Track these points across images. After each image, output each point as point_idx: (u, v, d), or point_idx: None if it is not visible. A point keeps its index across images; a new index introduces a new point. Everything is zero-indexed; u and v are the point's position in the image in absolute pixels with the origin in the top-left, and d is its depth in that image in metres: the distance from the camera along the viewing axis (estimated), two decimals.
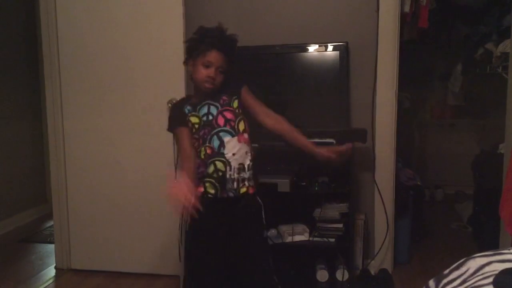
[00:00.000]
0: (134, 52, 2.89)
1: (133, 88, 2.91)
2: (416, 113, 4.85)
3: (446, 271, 1.07)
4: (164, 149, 2.85)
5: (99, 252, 3.07)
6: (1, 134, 3.93)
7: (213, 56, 1.92)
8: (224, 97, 1.99)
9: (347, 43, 2.77)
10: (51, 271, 3.14)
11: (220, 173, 1.91)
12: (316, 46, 2.78)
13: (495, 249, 1.07)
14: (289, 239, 2.76)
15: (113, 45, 2.91)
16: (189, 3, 2.87)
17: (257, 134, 2.77)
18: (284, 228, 2.80)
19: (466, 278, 0.98)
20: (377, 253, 2.95)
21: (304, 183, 2.74)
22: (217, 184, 1.92)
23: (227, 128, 1.94)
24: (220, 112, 1.96)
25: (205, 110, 1.96)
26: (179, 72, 2.82)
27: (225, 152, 1.91)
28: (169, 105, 2.23)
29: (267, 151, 2.81)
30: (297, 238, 2.77)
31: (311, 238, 2.77)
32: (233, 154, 1.92)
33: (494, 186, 3.10)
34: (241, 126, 1.98)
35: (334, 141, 2.64)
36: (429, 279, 1.15)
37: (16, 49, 4.15)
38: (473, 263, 1.01)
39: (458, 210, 4.27)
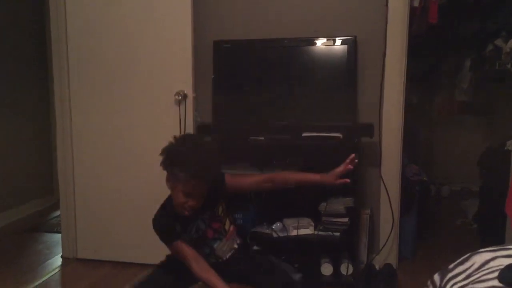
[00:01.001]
0: (141, 46, 2.89)
1: (141, 81, 2.92)
2: (423, 109, 4.83)
3: (451, 266, 1.07)
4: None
5: (105, 242, 3.10)
6: (9, 125, 3.96)
7: (194, 186, 1.82)
8: (209, 212, 1.97)
9: (355, 37, 2.76)
10: (57, 260, 3.17)
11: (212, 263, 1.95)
12: (324, 40, 2.78)
13: (500, 244, 1.07)
14: (294, 232, 2.77)
15: (121, 39, 2.91)
16: None
17: (262, 127, 2.79)
18: (289, 222, 2.81)
19: (471, 273, 0.98)
20: (382, 248, 2.95)
21: None
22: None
23: (216, 236, 1.98)
24: (208, 226, 1.96)
25: (194, 229, 1.96)
26: (186, 64, 2.83)
27: (216, 254, 1.99)
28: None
29: (273, 144, 2.82)
30: (302, 231, 2.77)
31: (316, 232, 2.77)
32: (223, 251, 2.00)
33: (501, 183, 3.10)
34: (227, 225, 2.01)
35: (341, 136, 2.64)
36: (434, 274, 1.15)
37: (25, 42, 4.17)
38: (478, 258, 1.02)
39: (464, 207, 4.27)
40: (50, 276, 2.94)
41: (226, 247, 2.01)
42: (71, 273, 3.01)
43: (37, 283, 2.84)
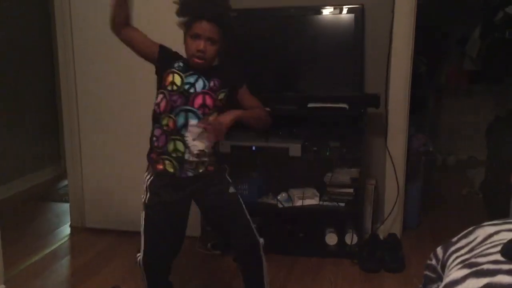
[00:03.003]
0: (146, 13, 2.84)
1: None
2: (431, 77, 4.77)
3: (455, 239, 1.08)
4: None
5: (113, 212, 3.13)
6: (15, 94, 3.96)
7: (200, 28, 1.75)
8: (217, 81, 1.85)
9: (362, 5, 2.71)
10: (66, 229, 3.22)
11: (180, 154, 1.84)
12: (331, 9, 2.73)
13: (505, 218, 1.07)
14: (299, 203, 2.79)
15: None
16: None
17: (268, 98, 2.77)
18: (295, 192, 2.83)
19: (474, 246, 0.99)
20: (387, 218, 2.96)
21: (316, 148, 2.74)
22: (175, 164, 1.86)
23: (199, 112, 1.83)
24: (203, 92, 1.83)
25: (191, 79, 1.83)
26: None
27: (186, 135, 1.83)
28: None
29: (279, 115, 2.80)
30: (307, 202, 2.79)
31: (321, 202, 2.79)
32: (193, 139, 1.83)
33: (508, 153, 3.08)
34: (212, 117, 1.85)
35: (346, 106, 2.62)
36: (438, 244, 1.16)
37: (29, 7, 4.13)
38: (482, 232, 1.02)
39: (470, 176, 4.26)
40: (59, 245, 3.00)
41: (198, 138, 1.84)
42: (79, 242, 3.06)
43: (46, 251, 2.89)
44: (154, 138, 1.91)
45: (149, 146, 1.97)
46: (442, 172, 4.50)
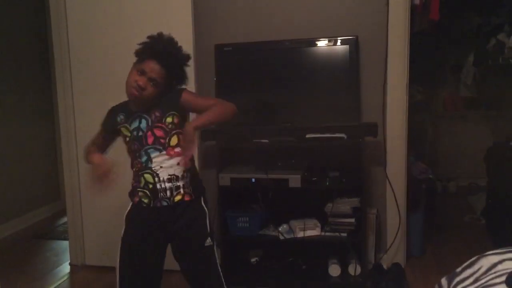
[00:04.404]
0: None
1: None
2: (428, 105, 4.81)
3: (459, 269, 1.06)
4: None
5: (113, 248, 3.08)
6: (14, 133, 3.98)
7: (149, 66, 1.84)
8: (157, 113, 1.88)
9: (357, 37, 2.75)
10: (65, 268, 3.18)
11: (150, 185, 1.89)
12: (326, 41, 2.77)
13: (508, 246, 1.06)
14: (300, 234, 2.77)
15: (122, 44, 2.91)
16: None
17: (266, 130, 2.79)
18: (296, 223, 2.81)
19: (479, 277, 0.98)
20: (390, 247, 2.94)
21: (315, 178, 2.74)
22: (149, 194, 1.90)
23: (156, 145, 1.88)
24: (150, 129, 1.88)
25: (136, 124, 1.90)
26: (188, 69, 2.82)
27: (153, 166, 1.89)
28: None
29: (277, 147, 2.82)
30: (309, 233, 2.77)
31: (323, 233, 2.77)
32: (161, 167, 1.88)
33: (508, 178, 3.08)
34: (173, 141, 1.88)
35: (345, 136, 2.64)
36: (442, 273, 1.15)
37: (27, 46, 4.19)
38: (486, 261, 1.01)
39: (471, 202, 4.25)
40: (59, 284, 2.95)
41: (165, 164, 1.87)
42: (79, 281, 3.02)
43: None
44: (132, 180, 2.00)
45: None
46: (443, 199, 4.48)
